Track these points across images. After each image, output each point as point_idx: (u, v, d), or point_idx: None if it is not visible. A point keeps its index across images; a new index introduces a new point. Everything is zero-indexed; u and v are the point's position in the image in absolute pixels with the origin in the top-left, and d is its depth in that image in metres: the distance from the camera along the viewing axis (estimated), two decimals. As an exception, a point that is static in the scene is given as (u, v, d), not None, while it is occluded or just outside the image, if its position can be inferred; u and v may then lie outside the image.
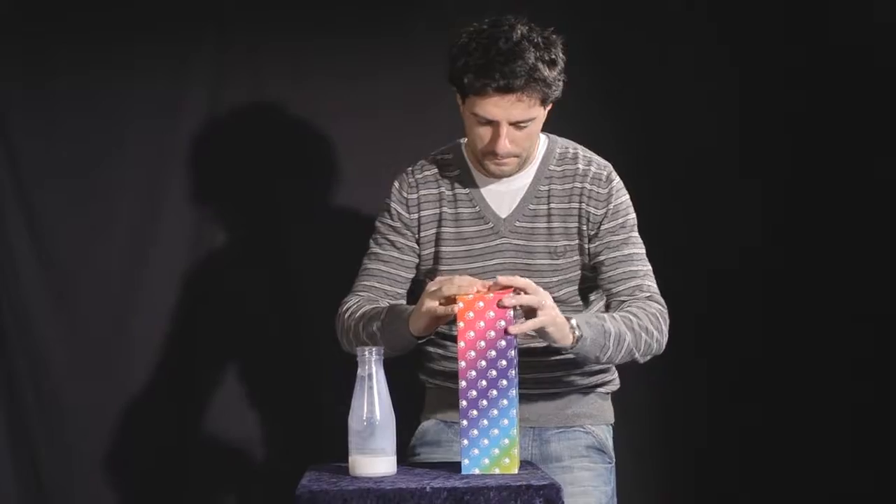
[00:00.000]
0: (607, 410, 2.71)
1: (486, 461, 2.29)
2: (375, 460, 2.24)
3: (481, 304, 2.29)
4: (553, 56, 2.48)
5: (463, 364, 2.29)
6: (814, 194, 3.33)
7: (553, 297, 2.51)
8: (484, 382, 2.28)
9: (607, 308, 2.62)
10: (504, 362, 2.27)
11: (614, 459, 2.70)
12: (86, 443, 3.20)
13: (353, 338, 2.56)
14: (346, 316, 2.59)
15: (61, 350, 3.20)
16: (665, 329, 2.56)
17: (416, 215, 2.64)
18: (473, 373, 2.29)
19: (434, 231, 2.64)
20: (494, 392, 2.28)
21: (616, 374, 2.73)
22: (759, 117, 3.33)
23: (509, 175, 2.59)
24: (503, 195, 2.62)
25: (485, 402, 2.28)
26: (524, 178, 2.62)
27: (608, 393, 2.72)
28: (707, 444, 3.32)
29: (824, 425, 3.31)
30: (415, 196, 2.64)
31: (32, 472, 3.19)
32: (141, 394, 3.21)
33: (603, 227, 2.60)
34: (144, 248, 3.22)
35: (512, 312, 2.28)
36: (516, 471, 2.29)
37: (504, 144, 2.49)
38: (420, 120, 3.19)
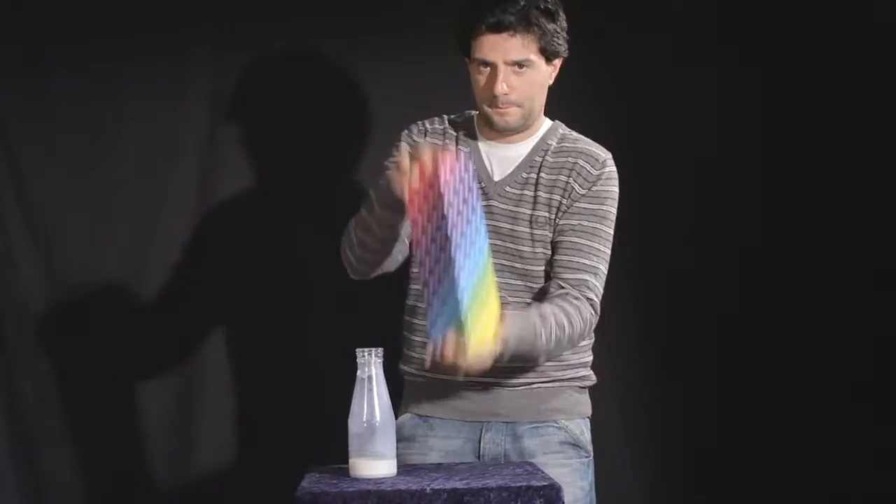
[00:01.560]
0: (583, 404, 2.71)
1: (446, 330, 2.27)
2: (375, 463, 2.24)
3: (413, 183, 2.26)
4: (549, 6, 2.55)
5: (414, 238, 2.29)
6: (814, 195, 3.33)
7: (529, 270, 2.60)
8: (432, 257, 2.25)
9: (544, 291, 2.60)
10: (442, 233, 2.21)
11: (592, 453, 2.69)
12: (85, 444, 3.19)
13: (351, 242, 2.58)
14: (347, 228, 2.61)
15: (62, 350, 3.19)
16: (577, 338, 2.58)
17: None
18: (423, 248, 2.26)
19: None
20: (441, 265, 2.23)
21: (591, 371, 2.72)
22: (758, 118, 3.33)
23: (513, 127, 2.62)
24: (501, 160, 2.65)
25: (436, 277, 2.25)
26: (523, 148, 2.65)
27: (584, 387, 2.71)
28: (702, 440, 3.32)
29: (821, 423, 3.31)
30: (422, 140, 2.67)
31: (32, 474, 3.17)
32: (140, 395, 3.21)
33: (578, 206, 2.61)
34: (144, 247, 3.21)
35: (446, 203, 2.20)
36: (469, 349, 2.25)
37: (501, 86, 2.54)
38: (421, 117, 3.19)
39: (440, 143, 2.67)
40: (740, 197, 3.32)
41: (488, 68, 2.56)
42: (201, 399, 3.22)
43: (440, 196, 2.20)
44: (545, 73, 2.60)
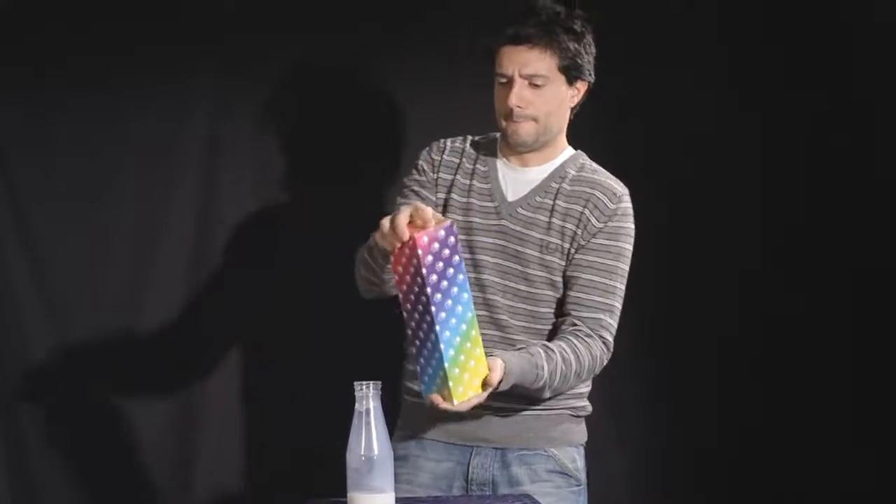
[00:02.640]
0: (576, 433, 2.71)
1: (434, 388, 2.32)
2: (373, 497, 2.22)
3: (398, 244, 2.27)
4: (574, 26, 2.57)
5: (401, 296, 2.30)
6: (814, 199, 3.33)
7: (533, 294, 2.60)
8: (417, 316, 2.29)
9: (556, 328, 2.61)
10: (424, 299, 2.24)
11: (584, 482, 2.69)
12: (85, 469, 3.20)
13: (359, 270, 2.58)
14: (358, 254, 2.61)
15: (60, 380, 3.20)
16: (586, 374, 2.58)
17: (435, 175, 2.69)
18: (409, 306, 2.30)
19: (444, 196, 2.68)
20: (425, 326, 2.27)
21: (587, 401, 2.72)
22: (759, 122, 3.33)
23: (525, 142, 2.62)
24: (517, 182, 2.66)
25: (421, 335, 2.29)
26: (541, 172, 2.66)
27: (579, 416, 2.71)
28: (702, 441, 3.34)
29: (822, 424, 3.34)
30: (439, 158, 2.70)
31: (32, 483, 3.19)
32: (137, 422, 3.21)
33: (594, 242, 2.61)
34: (143, 276, 3.22)
35: (421, 252, 2.21)
36: (455, 404, 2.30)
37: (514, 98, 2.55)
38: (422, 133, 3.18)
39: (457, 161, 2.69)
40: (739, 210, 3.33)
41: (507, 82, 2.57)
42: (200, 430, 3.22)
43: (419, 263, 2.21)
44: (565, 94, 2.61)
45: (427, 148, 2.73)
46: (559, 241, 2.61)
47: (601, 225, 2.60)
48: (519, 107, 2.57)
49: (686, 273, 3.30)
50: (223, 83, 3.24)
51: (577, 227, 2.61)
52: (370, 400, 2.23)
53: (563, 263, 2.61)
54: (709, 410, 3.31)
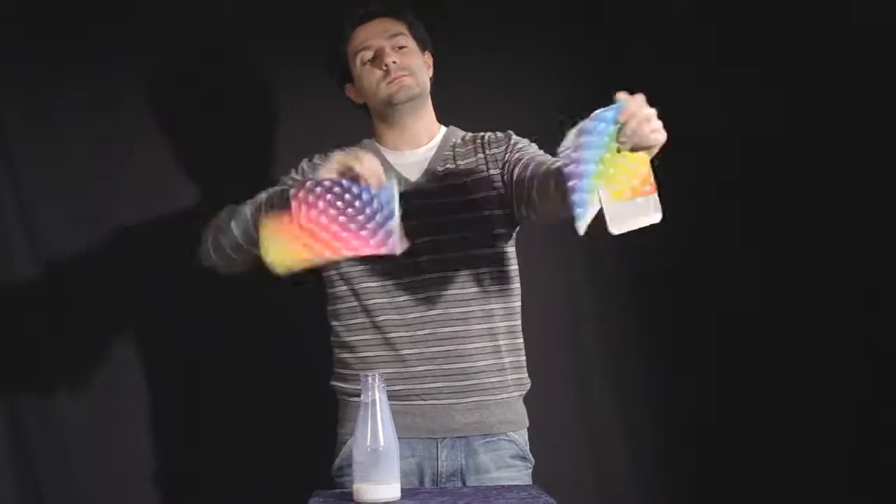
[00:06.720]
0: (524, 414, 2.73)
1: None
2: (380, 488, 2.23)
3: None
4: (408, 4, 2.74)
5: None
6: (814, 196, 3.34)
7: (472, 255, 2.64)
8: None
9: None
10: None
11: (534, 461, 2.72)
12: (85, 463, 3.18)
13: (225, 243, 2.58)
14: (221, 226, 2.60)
15: (62, 377, 3.18)
16: None
17: None
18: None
19: None
20: None
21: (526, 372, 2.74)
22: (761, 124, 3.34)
23: (410, 96, 2.70)
24: (412, 165, 2.72)
25: None
26: (428, 151, 2.74)
27: (521, 395, 2.72)
28: (702, 439, 3.32)
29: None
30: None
31: (36, 484, 3.17)
32: (139, 418, 3.20)
33: (512, 148, 2.69)
34: (143, 273, 3.19)
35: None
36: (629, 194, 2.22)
37: (392, 56, 2.66)
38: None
39: None
40: (743, 210, 3.32)
41: (374, 56, 2.67)
42: (202, 428, 3.20)
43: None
44: (422, 59, 2.73)
45: (306, 159, 2.74)
46: (484, 193, 2.65)
47: (504, 147, 2.70)
48: (395, 62, 2.66)
49: (688, 273, 3.30)
50: (221, 82, 3.24)
51: (488, 168, 2.67)
52: (376, 391, 2.24)
53: (501, 211, 2.66)
54: (710, 410, 3.30)
